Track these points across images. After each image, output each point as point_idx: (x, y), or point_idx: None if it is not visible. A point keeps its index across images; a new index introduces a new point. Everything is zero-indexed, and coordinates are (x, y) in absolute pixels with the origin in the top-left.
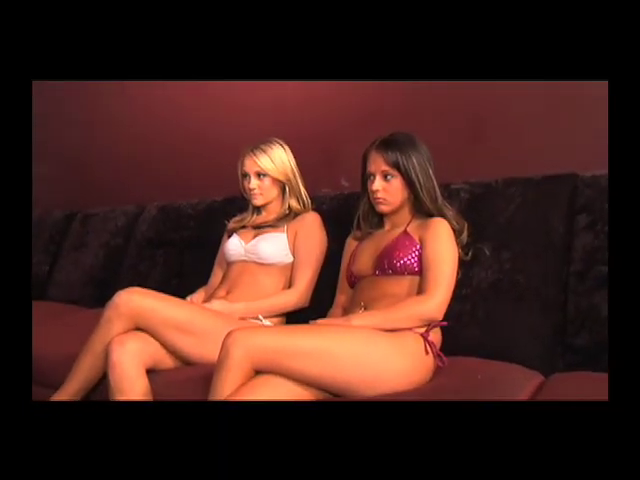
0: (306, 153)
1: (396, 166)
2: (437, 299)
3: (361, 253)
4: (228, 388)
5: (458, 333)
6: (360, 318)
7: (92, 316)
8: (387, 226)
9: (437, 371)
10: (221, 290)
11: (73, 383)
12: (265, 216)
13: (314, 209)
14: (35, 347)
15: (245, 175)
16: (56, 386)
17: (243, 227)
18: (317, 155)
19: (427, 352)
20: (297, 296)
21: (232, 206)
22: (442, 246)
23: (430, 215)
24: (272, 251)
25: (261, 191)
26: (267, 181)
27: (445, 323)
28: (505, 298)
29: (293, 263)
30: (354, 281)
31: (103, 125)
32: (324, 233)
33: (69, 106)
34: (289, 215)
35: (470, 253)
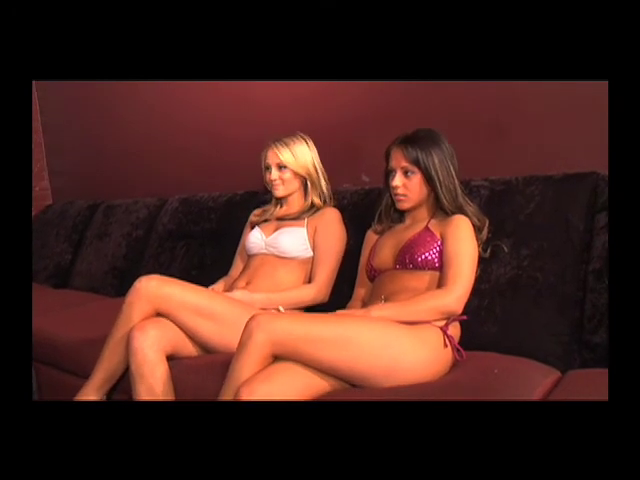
0: (327, 149)
1: (416, 163)
2: (456, 293)
3: (381, 247)
4: (247, 372)
5: (476, 328)
6: (380, 309)
7: (112, 304)
8: (408, 221)
9: (455, 365)
10: (241, 281)
11: (100, 372)
12: (286, 209)
13: (335, 205)
14: (57, 333)
15: (267, 167)
16: (77, 371)
17: (265, 220)
18: (338, 151)
19: (446, 345)
20: (316, 291)
21: (252, 200)
22: (462, 242)
23: (450, 212)
24: (291, 245)
25: (282, 182)
26: (288, 174)
27: (464, 317)
28: (523, 295)
29: (313, 258)
30: (374, 275)
31: (127, 118)
32: (344, 229)
33: (94, 99)
34: (310, 210)
35: (489, 250)
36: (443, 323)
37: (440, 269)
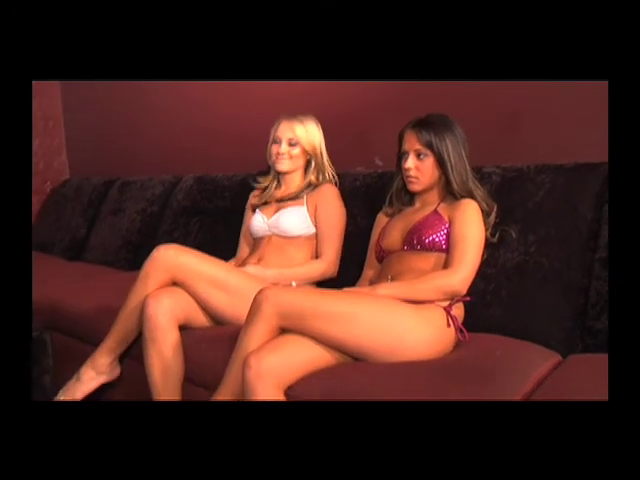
0: (341, 132)
1: (429, 145)
2: (461, 274)
3: (391, 229)
4: (255, 342)
5: (481, 311)
6: (386, 288)
7: (126, 277)
8: (418, 204)
9: (458, 345)
10: (253, 258)
11: (114, 334)
12: (285, 189)
13: (335, 183)
14: (72, 302)
15: (277, 141)
16: (91, 340)
17: (265, 203)
18: (352, 135)
19: (449, 325)
20: (325, 266)
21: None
22: (469, 225)
23: (460, 195)
24: (294, 224)
25: (289, 157)
26: (296, 150)
27: (468, 298)
28: (529, 279)
29: (317, 235)
30: (383, 256)
31: (145, 97)
32: (342, 204)
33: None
34: (308, 187)
35: (497, 235)
36: (447, 303)
37: (447, 251)
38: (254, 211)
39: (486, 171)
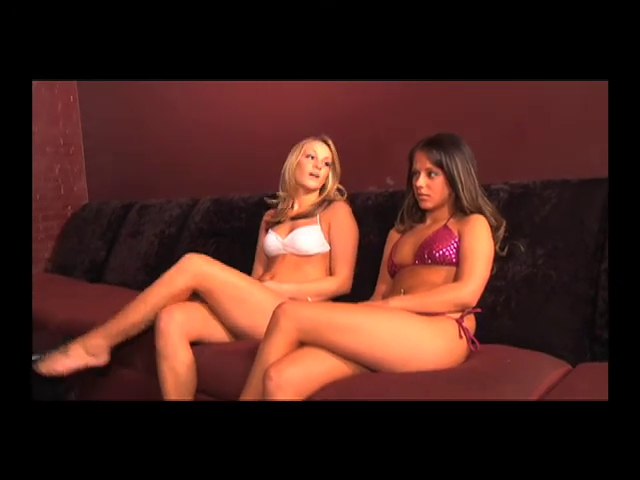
0: (354, 153)
1: (440, 164)
2: (471, 286)
3: (403, 244)
4: (274, 355)
5: (491, 322)
6: (398, 300)
7: None
8: (428, 221)
9: (470, 355)
10: (267, 275)
11: (117, 321)
12: (299, 209)
13: (345, 200)
14: (91, 321)
15: (311, 156)
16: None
17: (278, 222)
18: (364, 155)
19: (461, 336)
20: (340, 282)
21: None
22: (479, 239)
23: (469, 211)
24: (309, 243)
25: (321, 177)
26: (325, 170)
27: (479, 310)
28: (537, 291)
29: (331, 253)
30: (395, 270)
31: (162, 122)
32: (355, 221)
33: (131, 104)
34: (322, 205)
35: (506, 249)
36: (459, 315)
37: (457, 265)
38: (267, 230)
39: (494, 188)
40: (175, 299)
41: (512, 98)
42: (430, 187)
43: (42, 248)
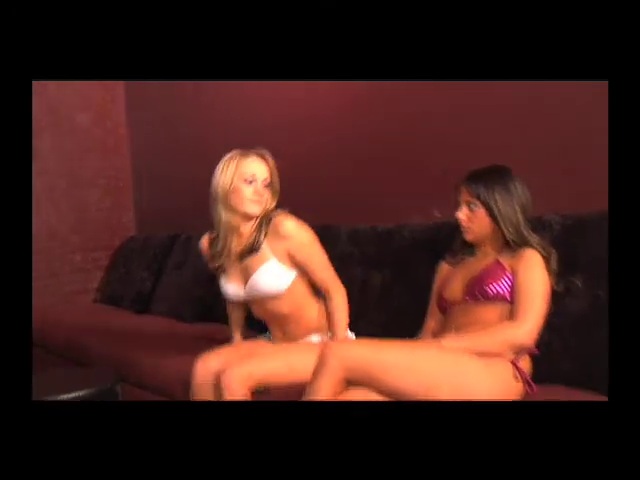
0: (401, 183)
1: (477, 197)
2: (527, 326)
3: (452, 278)
4: (322, 395)
5: (548, 362)
6: (451, 340)
7: (189, 329)
8: (479, 254)
9: (526, 398)
10: (277, 331)
11: None
12: (240, 240)
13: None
14: (140, 356)
15: (249, 180)
16: (159, 391)
17: (220, 266)
18: (410, 185)
19: (516, 378)
20: (342, 296)
21: (326, 233)
22: (534, 275)
23: (515, 244)
24: (276, 285)
25: (264, 200)
26: (268, 193)
27: (535, 351)
28: (596, 330)
29: (311, 273)
30: (445, 306)
31: (208, 157)
32: (306, 226)
33: (175, 137)
34: (261, 230)
35: (562, 284)
36: (514, 356)
37: (511, 301)
38: (217, 273)
39: (546, 219)
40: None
41: (560, 123)
42: (470, 219)
43: (91, 278)
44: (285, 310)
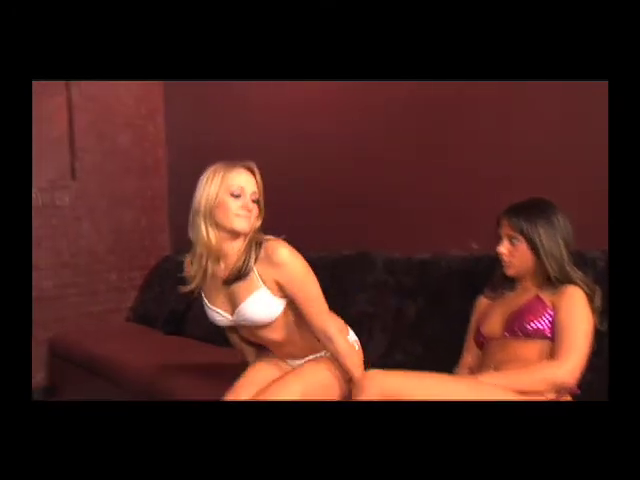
0: (436, 214)
1: (520, 231)
2: (569, 365)
3: (492, 314)
4: None
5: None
6: (489, 377)
7: (219, 353)
8: (519, 289)
9: None
10: (274, 351)
11: None
12: (226, 264)
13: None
14: (167, 378)
15: (236, 194)
16: None
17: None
18: (445, 216)
19: None
20: (339, 333)
21: (362, 261)
22: (577, 312)
23: (557, 280)
24: (266, 314)
25: (253, 216)
26: (256, 209)
27: (577, 391)
28: None
29: (301, 307)
30: (483, 342)
31: None
32: (300, 256)
33: (210, 159)
34: (250, 254)
35: (606, 323)
36: (555, 395)
37: (552, 339)
38: (200, 296)
39: (589, 256)
40: None
41: (599, 159)
42: (512, 254)
43: (125, 298)
44: (277, 337)
